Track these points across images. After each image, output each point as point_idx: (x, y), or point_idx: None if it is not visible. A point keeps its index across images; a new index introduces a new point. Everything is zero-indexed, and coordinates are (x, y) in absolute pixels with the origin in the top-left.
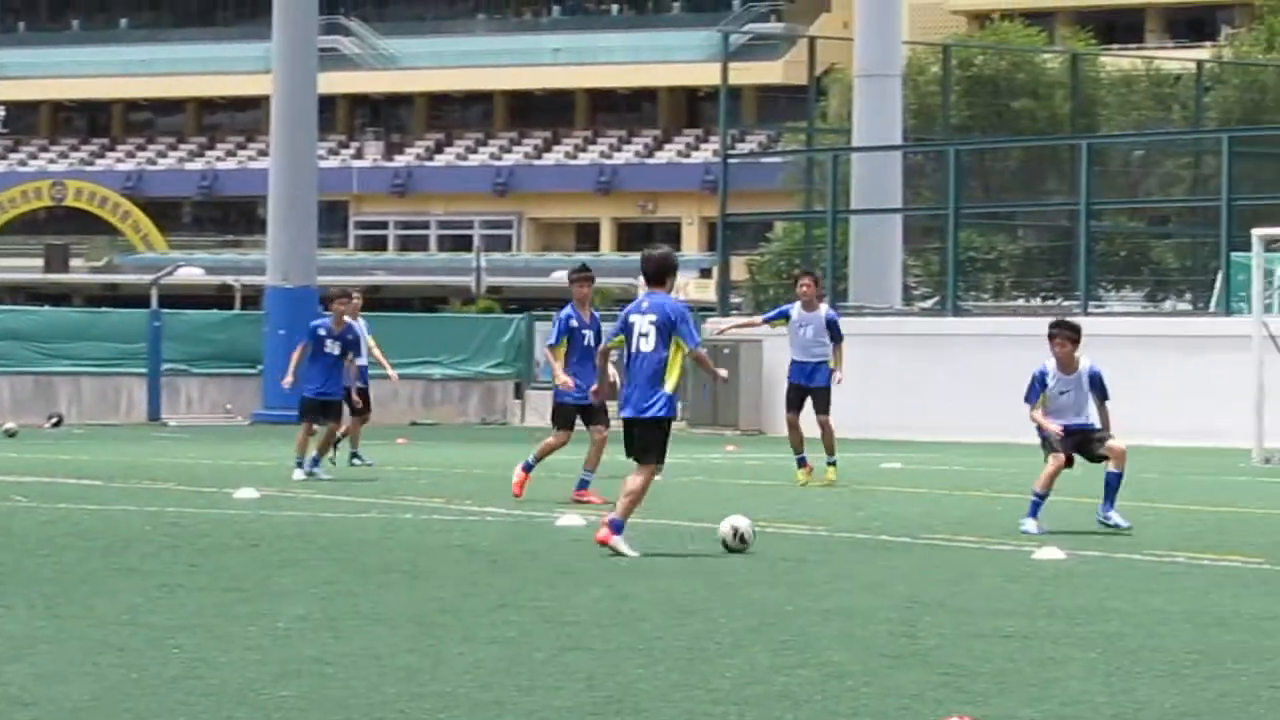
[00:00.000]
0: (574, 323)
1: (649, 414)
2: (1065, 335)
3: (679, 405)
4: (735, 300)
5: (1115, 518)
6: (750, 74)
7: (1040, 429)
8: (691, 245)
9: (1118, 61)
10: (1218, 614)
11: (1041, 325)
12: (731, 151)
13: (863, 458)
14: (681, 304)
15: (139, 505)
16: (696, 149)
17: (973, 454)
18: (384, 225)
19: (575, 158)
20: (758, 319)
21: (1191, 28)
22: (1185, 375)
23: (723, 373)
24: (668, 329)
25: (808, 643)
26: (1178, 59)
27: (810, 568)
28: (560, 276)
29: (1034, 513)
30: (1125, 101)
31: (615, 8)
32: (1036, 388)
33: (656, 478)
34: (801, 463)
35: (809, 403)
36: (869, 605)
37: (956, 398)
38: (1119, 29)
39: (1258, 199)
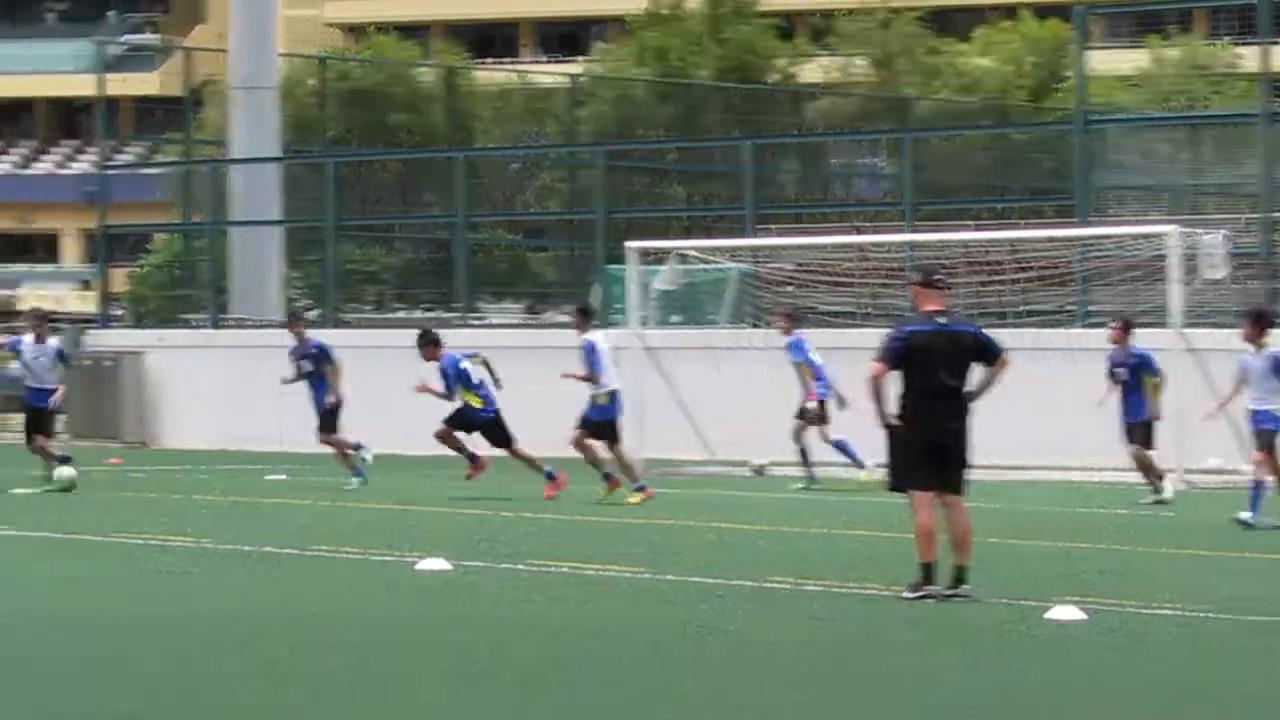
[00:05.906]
0: None
1: None
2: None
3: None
4: (117, 312)
5: None
6: (127, 85)
7: None
8: (71, 257)
9: (492, 75)
10: None
11: None
12: (110, 163)
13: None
14: None
15: None
16: (75, 160)
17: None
18: None
19: None
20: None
21: (564, 42)
22: (564, 385)
23: None
24: None
25: None
26: (551, 73)
27: None
28: None
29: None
30: (500, 115)
31: None
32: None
33: None
34: (608, 477)
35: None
36: None
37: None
38: (493, 43)
39: (632, 212)
